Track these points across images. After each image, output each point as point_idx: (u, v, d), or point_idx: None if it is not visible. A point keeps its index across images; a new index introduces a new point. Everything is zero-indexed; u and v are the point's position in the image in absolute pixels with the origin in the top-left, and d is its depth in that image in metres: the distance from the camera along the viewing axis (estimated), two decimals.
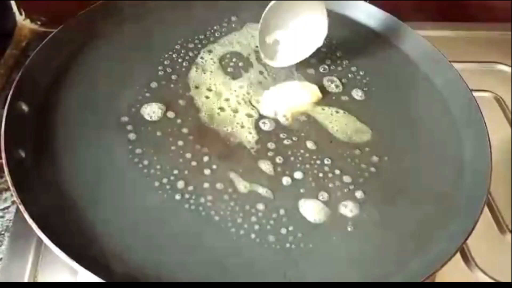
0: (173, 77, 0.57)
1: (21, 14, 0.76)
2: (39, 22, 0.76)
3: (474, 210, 0.47)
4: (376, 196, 0.50)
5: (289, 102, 0.55)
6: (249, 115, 0.55)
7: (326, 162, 0.52)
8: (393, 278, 0.44)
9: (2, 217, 0.56)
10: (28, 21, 0.76)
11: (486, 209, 0.58)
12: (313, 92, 0.56)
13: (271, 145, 0.53)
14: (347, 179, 0.51)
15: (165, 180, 0.49)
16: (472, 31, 0.79)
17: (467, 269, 0.53)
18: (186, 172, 0.50)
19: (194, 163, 0.50)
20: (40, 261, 0.52)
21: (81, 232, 0.44)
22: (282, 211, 0.48)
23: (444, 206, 0.50)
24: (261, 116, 0.55)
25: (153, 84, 0.56)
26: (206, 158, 0.51)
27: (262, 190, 0.49)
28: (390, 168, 0.52)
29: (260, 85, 0.58)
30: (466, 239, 0.45)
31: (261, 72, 0.59)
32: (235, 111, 0.55)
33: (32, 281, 0.51)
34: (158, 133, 0.52)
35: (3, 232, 0.54)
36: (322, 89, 0.58)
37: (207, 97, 0.56)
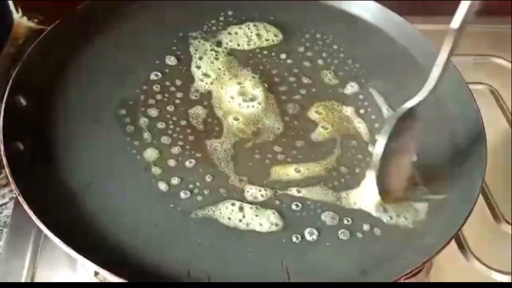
0: (171, 71, 0.58)
1: (18, 12, 0.76)
2: (36, 20, 0.76)
3: (469, 200, 0.47)
4: None
5: None
6: (256, 108, 0.55)
7: (316, 152, 0.52)
8: (390, 265, 0.44)
9: (0, 212, 0.56)
10: (25, 19, 0.76)
11: (481, 199, 0.58)
12: None
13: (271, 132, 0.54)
14: (344, 169, 0.51)
15: (164, 173, 0.49)
16: (468, 24, 0.79)
17: (463, 258, 0.54)
18: (185, 164, 0.50)
19: (193, 154, 0.51)
20: (39, 255, 0.52)
21: (80, 222, 0.45)
22: (277, 202, 0.48)
23: (439, 196, 0.50)
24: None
25: (151, 77, 0.57)
26: (204, 151, 0.51)
27: (260, 187, 0.49)
28: None
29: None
30: (461, 227, 0.45)
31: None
32: (238, 104, 0.56)
33: (31, 275, 0.51)
34: (156, 126, 0.53)
35: (1, 228, 0.55)
36: (319, 81, 0.59)
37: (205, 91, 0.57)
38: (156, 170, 0.49)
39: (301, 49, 0.62)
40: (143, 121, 0.53)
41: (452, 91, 0.58)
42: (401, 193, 0.49)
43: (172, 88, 0.56)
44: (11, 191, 0.58)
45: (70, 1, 0.61)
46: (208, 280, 0.43)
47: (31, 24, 0.76)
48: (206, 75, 0.58)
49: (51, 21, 0.58)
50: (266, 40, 0.62)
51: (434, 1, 0.79)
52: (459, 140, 0.55)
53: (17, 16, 0.76)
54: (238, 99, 0.56)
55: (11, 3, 0.75)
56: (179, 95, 0.56)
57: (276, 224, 0.47)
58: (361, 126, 0.55)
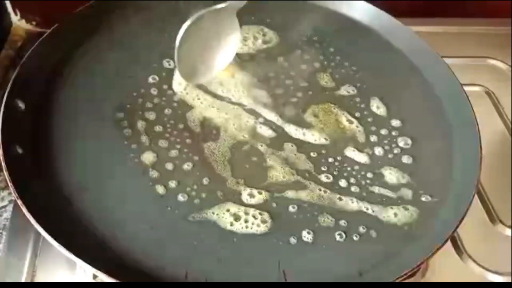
0: (168, 74, 0.58)
1: (16, 14, 0.76)
2: (34, 23, 0.76)
3: (464, 201, 0.48)
4: (368, 188, 0.51)
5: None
6: (253, 111, 0.56)
7: (312, 155, 0.53)
8: (386, 267, 0.45)
9: (0, 215, 0.56)
10: (23, 21, 0.76)
11: (478, 201, 0.59)
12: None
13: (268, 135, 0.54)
14: (340, 172, 0.52)
15: (162, 176, 0.49)
16: (463, 27, 0.79)
17: (459, 259, 0.54)
18: (182, 167, 0.50)
19: (191, 157, 0.51)
20: (38, 257, 0.52)
21: (78, 225, 0.45)
22: (274, 204, 0.49)
23: (434, 197, 0.50)
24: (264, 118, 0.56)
25: (149, 81, 0.57)
26: (202, 154, 0.52)
27: (257, 189, 0.50)
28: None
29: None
30: (456, 228, 0.45)
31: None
32: (238, 104, 0.56)
33: (30, 277, 0.51)
34: (153, 129, 0.53)
35: (0, 231, 0.55)
36: (316, 84, 0.59)
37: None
38: (153, 173, 0.49)
39: (298, 52, 0.62)
40: (140, 124, 0.53)
41: (447, 93, 0.59)
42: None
43: (170, 92, 0.56)
44: (10, 194, 0.58)
45: (68, 4, 0.61)
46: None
47: (29, 27, 0.77)
48: None
49: (49, 23, 0.58)
50: (263, 43, 0.62)
51: (431, 3, 0.79)
52: (454, 142, 0.55)
53: (15, 19, 0.76)
54: (242, 99, 0.56)
55: (9, 6, 0.75)
56: (176, 98, 0.56)
57: (273, 227, 0.47)
58: (357, 129, 0.55)
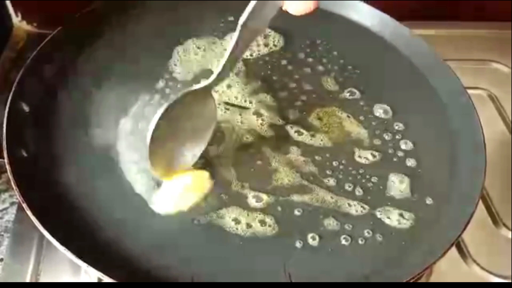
0: (174, 76, 0.58)
1: (17, 16, 0.76)
2: (35, 24, 0.76)
3: (469, 206, 0.48)
4: (373, 191, 0.51)
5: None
6: (258, 114, 0.56)
7: (317, 158, 0.53)
8: (391, 271, 0.45)
9: (1, 218, 0.56)
10: (24, 22, 0.76)
11: (481, 205, 0.59)
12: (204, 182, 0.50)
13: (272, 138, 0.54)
14: (345, 176, 0.51)
15: None
16: (465, 30, 0.80)
17: (464, 263, 0.54)
18: None
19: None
20: (42, 261, 0.52)
21: (83, 229, 0.45)
22: (279, 208, 0.49)
23: (439, 201, 0.50)
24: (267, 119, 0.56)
25: (153, 84, 0.57)
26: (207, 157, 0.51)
27: (262, 193, 0.50)
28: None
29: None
30: (461, 233, 0.46)
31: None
32: (242, 107, 0.56)
33: (34, 281, 0.51)
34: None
35: (2, 233, 0.55)
36: (320, 87, 0.59)
37: None
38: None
39: (302, 55, 0.62)
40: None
41: (451, 96, 0.59)
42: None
43: (173, 96, 0.56)
44: (11, 196, 0.58)
45: (70, 5, 0.61)
46: None
47: (31, 28, 0.77)
48: None
49: (51, 25, 0.58)
50: (267, 46, 0.62)
51: (434, 7, 0.80)
52: (459, 145, 0.55)
53: (17, 20, 0.76)
54: (246, 105, 0.56)
55: (10, 7, 0.75)
56: None
57: (279, 230, 0.47)
58: (361, 132, 0.55)
